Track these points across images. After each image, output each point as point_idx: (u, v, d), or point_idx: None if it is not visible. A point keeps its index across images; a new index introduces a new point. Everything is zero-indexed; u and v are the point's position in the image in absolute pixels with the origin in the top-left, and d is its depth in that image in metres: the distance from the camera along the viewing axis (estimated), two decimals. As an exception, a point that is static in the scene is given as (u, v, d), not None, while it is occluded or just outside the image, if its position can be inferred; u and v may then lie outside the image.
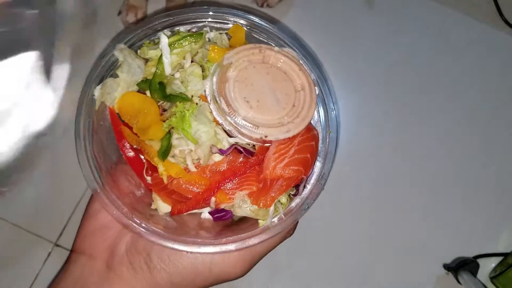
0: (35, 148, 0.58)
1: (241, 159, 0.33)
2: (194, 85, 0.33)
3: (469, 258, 0.58)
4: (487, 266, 0.58)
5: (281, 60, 0.34)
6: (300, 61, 0.34)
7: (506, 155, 0.63)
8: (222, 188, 0.34)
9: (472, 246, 0.59)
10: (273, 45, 0.36)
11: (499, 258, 0.58)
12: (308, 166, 0.34)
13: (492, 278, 0.57)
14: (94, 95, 0.34)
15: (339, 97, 0.63)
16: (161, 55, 0.34)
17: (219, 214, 0.35)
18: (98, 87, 0.34)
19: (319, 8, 0.65)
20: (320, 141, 0.35)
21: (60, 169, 0.58)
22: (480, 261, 0.57)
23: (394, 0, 0.67)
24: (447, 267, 0.58)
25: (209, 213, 0.35)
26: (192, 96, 0.33)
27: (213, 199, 0.34)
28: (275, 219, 0.33)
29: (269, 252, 0.33)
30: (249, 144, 0.33)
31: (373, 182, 0.61)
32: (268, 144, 0.33)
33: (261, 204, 0.33)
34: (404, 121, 0.63)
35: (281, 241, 0.34)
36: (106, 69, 0.34)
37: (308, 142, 0.34)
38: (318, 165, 0.34)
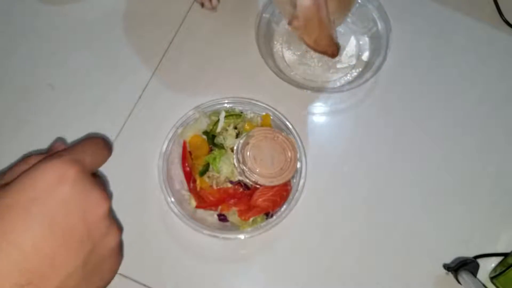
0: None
1: (241, 189, 0.55)
2: (229, 141, 0.56)
3: (469, 258, 0.58)
4: (487, 266, 0.59)
5: (283, 141, 0.54)
6: (295, 145, 0.55)
7: (506, 155, 0.63)
8: (226, 203, 0.55)
9: (472, 246, 0.59)
10: (282, 130, 0.58)
11: (499, 258, 0.59)
12: (276, 205, 0.54)
13: (492, 278, 0.57)
14: (178, 132, 0.58)
15: (336, 98, 0.63)
16: (218, 120, 0.57)
17: (221, 217, 0.57)
18: (181, 128, 0.58)
19: None
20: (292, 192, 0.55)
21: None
22: (480, 261, 0.57)
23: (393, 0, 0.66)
24: (447, 267, 0.58)
25: (216, 215, 0.57)
26: (226, 147, 0.56)
27: (219, 207, 0.56)
28: (250, 229, 0.53)
29: None
30: (248, 183, 0.55)
31: (372, 182, 0.61)
32: (258, 186, 0.54)
33: (242, 217, 0.54)
34: (403, 121, 0.64)
35: None
36: (187, 119, 0.58)
37: (281, 192, 0.54)
38: (284, 206, 0.55)
